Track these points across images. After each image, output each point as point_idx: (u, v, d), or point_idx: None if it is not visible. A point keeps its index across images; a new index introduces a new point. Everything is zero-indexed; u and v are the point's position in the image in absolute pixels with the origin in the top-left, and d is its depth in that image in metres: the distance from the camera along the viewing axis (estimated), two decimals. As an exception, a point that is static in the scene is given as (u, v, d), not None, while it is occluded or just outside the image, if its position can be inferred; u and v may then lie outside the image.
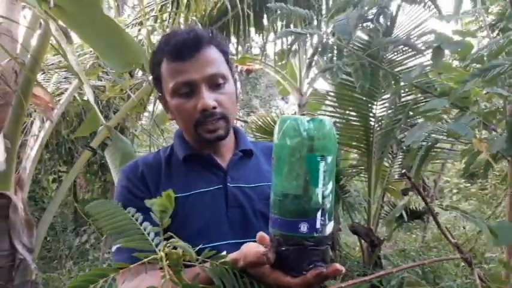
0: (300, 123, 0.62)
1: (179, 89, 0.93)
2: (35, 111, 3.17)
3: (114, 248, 0.92)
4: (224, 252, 0.70)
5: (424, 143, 1.40)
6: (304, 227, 0.61)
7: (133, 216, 0.75)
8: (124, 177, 0.98)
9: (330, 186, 0.63)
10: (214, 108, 0.92)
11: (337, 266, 0.62)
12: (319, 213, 0.61)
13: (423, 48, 1.48)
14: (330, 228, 0.63)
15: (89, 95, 1.62)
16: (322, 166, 0.61)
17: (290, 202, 0.62)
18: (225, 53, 0.98)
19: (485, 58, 1.01)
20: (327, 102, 4.18)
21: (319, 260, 0.63)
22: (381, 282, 3.21)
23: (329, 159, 0.62)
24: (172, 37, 0.94)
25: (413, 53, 3.04)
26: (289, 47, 1.51)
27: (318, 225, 0.61)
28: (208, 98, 0.91)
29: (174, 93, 0.94)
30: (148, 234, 0.68)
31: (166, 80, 0.95)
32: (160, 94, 1.02)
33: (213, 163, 0.98)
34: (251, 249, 0.67)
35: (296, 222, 0.61)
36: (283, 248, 0.63)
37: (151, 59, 1.00)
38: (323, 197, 0.62)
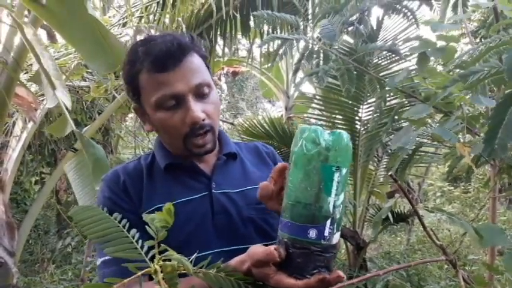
0: (320, 134, 0.65)
1: (165, 102, 0.87)
2: (17, 111, 3.11)
3: (99, 261, 0.87)
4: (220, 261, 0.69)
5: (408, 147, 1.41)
6: (313, 233, 0.63)
7: (120, 222, 0.71)
8: (106, 188, 0.93)
9: (342, 197, 0.65)
10: (203, 120, 0.88)
11: (340, 273, 0.64)
12: (328, 222, 0.64)
13: (408, 53, 1.49)
14: (337, 238, 0.66)
15: (65, 101, 1.58)
16: (336, 177, 0.64)
17: (302, 208, 0.64)
18: (205, 58, 0.94)
19: (463, 65, 1.03)
20: (314, 105, 4.20)
21: (323, 266, 0.65)
22: (365, 285, 3.22)
23: (343, 171, 0.65)
24: (152, 46, 0.87)
25: (398, 57, 3.07)
26: (275, 51, 1.50)
27: (326, 233, 0.64)
28: (197, 110, 0.87)
29: (159, 106, 0.88)
30: (137, 242, 0.65)
31: (149, 92, 0.88)
32: (136, 105, 0.95)
33: (196, 170, 0.95)
34: (259, 248, 0.67)
35: (306, 228, 0.64)
36: (290, 251, 0.65)
37: (127, 69, 0.91)
38: (334, 207, 0.64)
